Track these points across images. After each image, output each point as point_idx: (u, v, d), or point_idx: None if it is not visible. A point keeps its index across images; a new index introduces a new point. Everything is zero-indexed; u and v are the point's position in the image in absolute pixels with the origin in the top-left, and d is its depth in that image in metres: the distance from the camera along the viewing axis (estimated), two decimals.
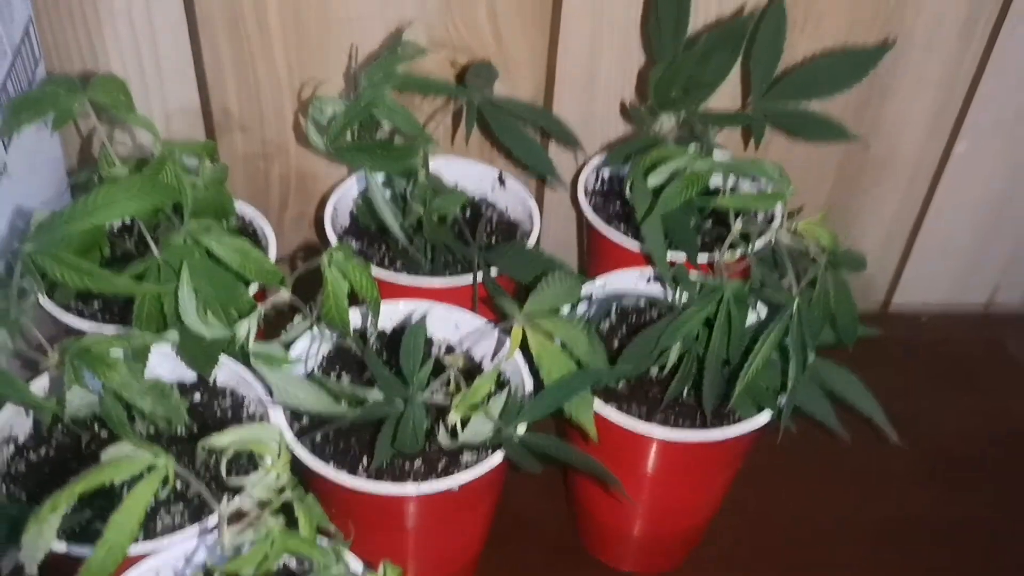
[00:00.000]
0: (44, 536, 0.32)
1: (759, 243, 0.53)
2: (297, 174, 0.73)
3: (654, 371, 0.56)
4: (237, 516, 0.34)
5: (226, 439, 0.34)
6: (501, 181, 0.67)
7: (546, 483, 0.64)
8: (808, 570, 0.64)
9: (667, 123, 0.58)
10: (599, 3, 0.65)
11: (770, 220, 0.61)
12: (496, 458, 0.46)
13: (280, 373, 0.45)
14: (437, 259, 0.60)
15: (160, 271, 0.45)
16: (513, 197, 0.67)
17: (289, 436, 0.46)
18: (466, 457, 0.50)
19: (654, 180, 0.52)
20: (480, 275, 0.56)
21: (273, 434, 0.34)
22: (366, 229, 0.64)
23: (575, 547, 0.64)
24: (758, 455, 0.58)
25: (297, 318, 0.48)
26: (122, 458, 0.33)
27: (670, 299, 0.56)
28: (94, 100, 0.48)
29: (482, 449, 0.49)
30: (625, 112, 0.65)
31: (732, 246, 0.53)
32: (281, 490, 0.34)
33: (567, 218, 0.76)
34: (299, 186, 0.73)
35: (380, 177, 0.58)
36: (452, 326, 0.55)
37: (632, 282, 0.60)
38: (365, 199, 0.63)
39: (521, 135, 0.58)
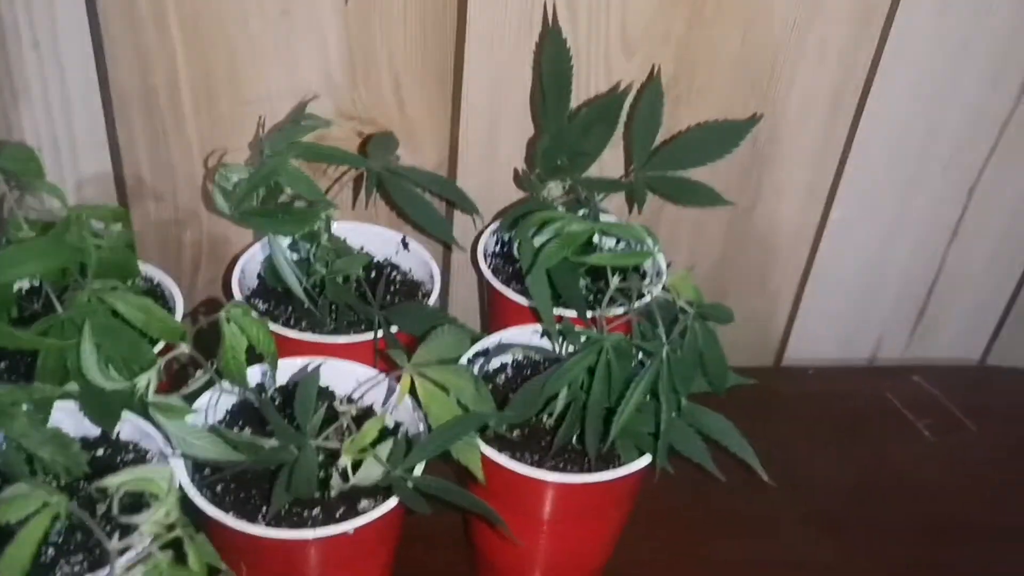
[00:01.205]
0: None
1: (641, 299, 0.58)
2: (209, 239, 0.76)
3: (546, 420, 0.60)
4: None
5: (118, 479, 0.37)
6: (404, 245, 0.72)
7: (448, 532, 0.67)
8: None
9: (555, 190, 0.63)
10: (496, 78, 0.70)
11: (645, 282, 0.67)
12: (390, 503, 0.49)
13: (179, 424, 0.47)
14: (340, 318, 0.63)
15: (64, 328, 0.48)
16: (416, 259, 0.71)
17: (187, 484, 0.48)
18: (363, 504, 0.53)
19: (539, 240, 0.56)
20: (380, 331, 0.59)
21: (164, 473, 0.37)
22: (273, 290, 0.67)
23: None
24: (650, 504, 0.62)
25: (198, 372, 0.51)
26: (17, 496, 0.35)
27: (558, 353, 0.61)
28: (4, 167, 0.51)
29: (378, 495, 0.52)
30: (518, 179, 0.70)
31: (613, 301, 0.57)
32: (171, 527, 0.36)
33: (472, 281, 0.80)
34: (211, 250, 0.77)
35: (284, 241, 0.62)
36: (352, 379, 0.58)
37: (527, 337, 0.64)
38: (271, 262, 0.67)
39: (421, 202, 0.62)
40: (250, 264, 0.69)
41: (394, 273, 0.71)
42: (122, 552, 0.36)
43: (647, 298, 0.59)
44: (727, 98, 0.73)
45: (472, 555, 0.67)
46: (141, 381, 0.47)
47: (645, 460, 0.56)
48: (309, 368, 0.56)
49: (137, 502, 0.45)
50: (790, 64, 0.73)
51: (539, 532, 0.60)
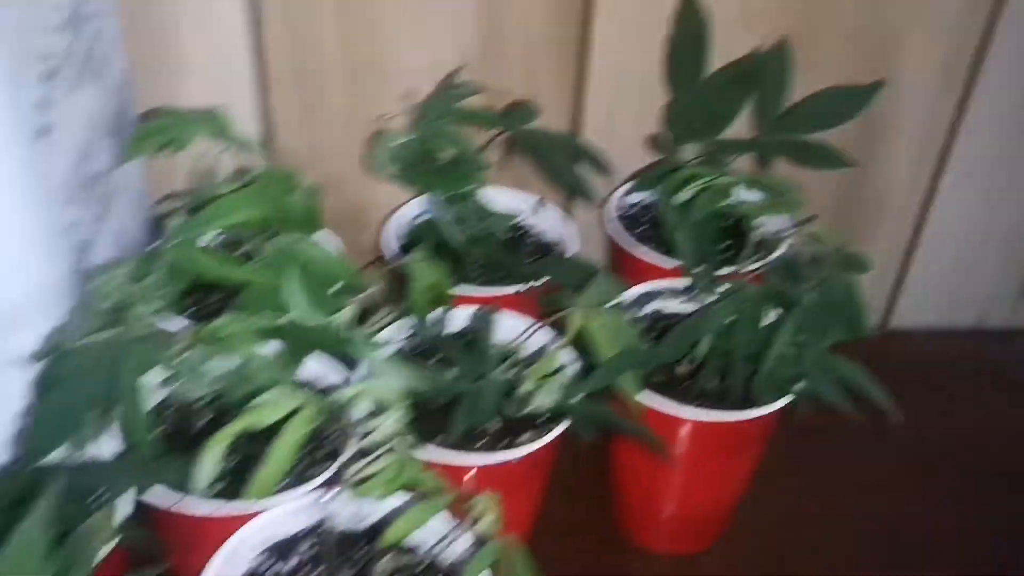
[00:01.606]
0: (207, 466, 0.40)
1: (774, 253, 0.62)
2: (353, 206, 0.82)
3: (682, 370, 0.64)
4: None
5: (354, 390, 0.42)
6: (540, 206, 0.76)
7: (583, 468, 0.72)
8: (824, 557, 0.72)
9: (689, 151, 0.67)
10: (622, 50, 0.75)
11: (781, 235, 0.70)
12: (560, 427, 0.54)
13: (373, 356, 0.53)
14: (488, 273, 0.68)
15: (265, 271, 0.53)
16: (551, 221, 0.76)
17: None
18: (522, 438, 0.58)
19: (682, 197, 0.60)
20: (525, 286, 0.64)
21: (393, 385, 0.42)
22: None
23: (610, 528, 0.71)
24: (780, 459, 0.67)
25: (381, 312, 0.56)
26: (272, 401, 0.40)
27: (693, 307, 0.65)
28: (205, 131, 0.57)
29: (534, 431, 0.57)
30: (650, 143, 0.74)
31: (748, 255, 0.62)
32: (398, 434, 0.42)
33: (590, 242, 0.85)
34: (354, 216, 0.82)
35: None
36: (509, 328, 0.63)
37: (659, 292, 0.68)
38: (423, 222, 0.72)
39: (562, 163, 0.67)
40: (394, 228, 0.74)
41: (530, 234, 0.76)
42: (362, 454, 0.41)
43: (777, 253, 0.63)
44: (843, 66, 0.77)
45: (608, 490, 0.71)
46: (341, 317, 0.52)
47: (785, 400, 0.60)
48: (472, 319, 0.61)
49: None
50: (905, 32, 0.76)
51: (676, 469, 0.64)
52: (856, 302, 0.59)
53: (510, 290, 0.66)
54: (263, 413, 0.40)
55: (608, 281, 0.56)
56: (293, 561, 0.52)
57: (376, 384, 0.41)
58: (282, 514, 0.52)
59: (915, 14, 0.75)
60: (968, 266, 0.93)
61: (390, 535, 0.42)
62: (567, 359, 0.58)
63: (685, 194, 0.60)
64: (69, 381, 0.47)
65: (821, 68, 0.76)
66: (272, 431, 0.41)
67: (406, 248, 0.74)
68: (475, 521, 0.42)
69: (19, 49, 0.50)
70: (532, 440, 0.56)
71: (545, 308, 0.62)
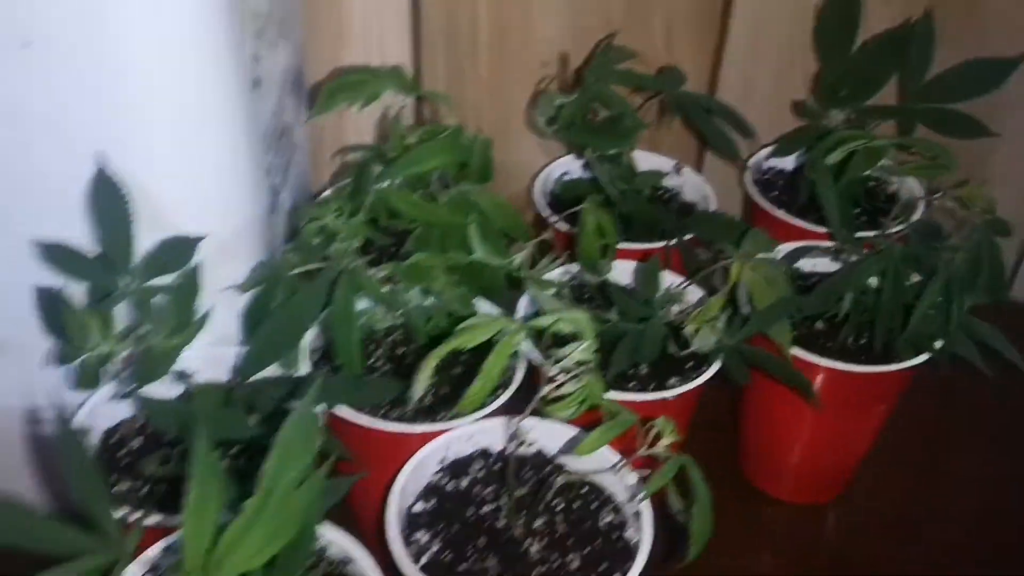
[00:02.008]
0: (422, 381, 0.45)
1: (915, 215, 0.65)
2: (496, 163, 0.86)
3: (820, 327, 0.68)
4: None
5: (548, 319, 0.47)
6: (677, 170, 0.80)
7: (711, 416, 0.75)
8: (947, 518, 0.74)
9: (835, 117, 0.70)
10: (758, 20, 0.78)
11: (924, 197, 0.73)
12: (712, 368, 0.58)
13: (546, 294, 0.57)
14: (635, 229, 0.72)
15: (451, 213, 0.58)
16: (688, 183, 0.80)
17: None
18: (671, 381, 0.63)
19: (832, 159, 0.64)
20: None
21: (584, 316, 0.46)
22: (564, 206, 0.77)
23: (736, 476, 0.75)
24: (901, 412, 0.70)
25: (547, 258, 0.61)
26: (480, 324, 0.45)
27: (836, 266, 0.68)
28: (395, 86, 0.62)
29: (684, 375, 0.61)
30: (795, 108, 0.77)
31: (893, 218, 0.65)
32: (587, 361, 0.46)
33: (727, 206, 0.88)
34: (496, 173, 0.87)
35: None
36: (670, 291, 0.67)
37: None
38: (568, 181, 0.77)
39: (713, 125, 0.71)
40: (543, 185, 0.79)
41: (670, 194, 0.80)
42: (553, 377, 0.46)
43: (919, 215, 0.66)
44: (980, 40, 0.78)
45: (737, 437, 0.74)
46: (518, 258, 0.57)
47: (924, 357, 0.63)
48: (644, 265, 0.64)
49: None
50: None
51: (809, 421, 0.68)
52: (998, 265, 0.62)
53: (659, 244, 0.70)
54: (473, 334, 0.45)
55: (762, 235, 0.60)
56: (465, 480, 0.58)
57: (571, 315, 0.46)
58: (459, 435, 0.57)
59: None
60: None
61: (580, 449, 0.47)
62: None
63: (835, 156, 0.63)
64: (283, 317, 0.53)
65: (955, 43, 0.78)
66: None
67: (552, 204, 0.78)
68: (653, 442, 0.47)
69: (242, 7, 0.55)
70: (678, 385, 0.61)
71: (692, 261, 0.66)
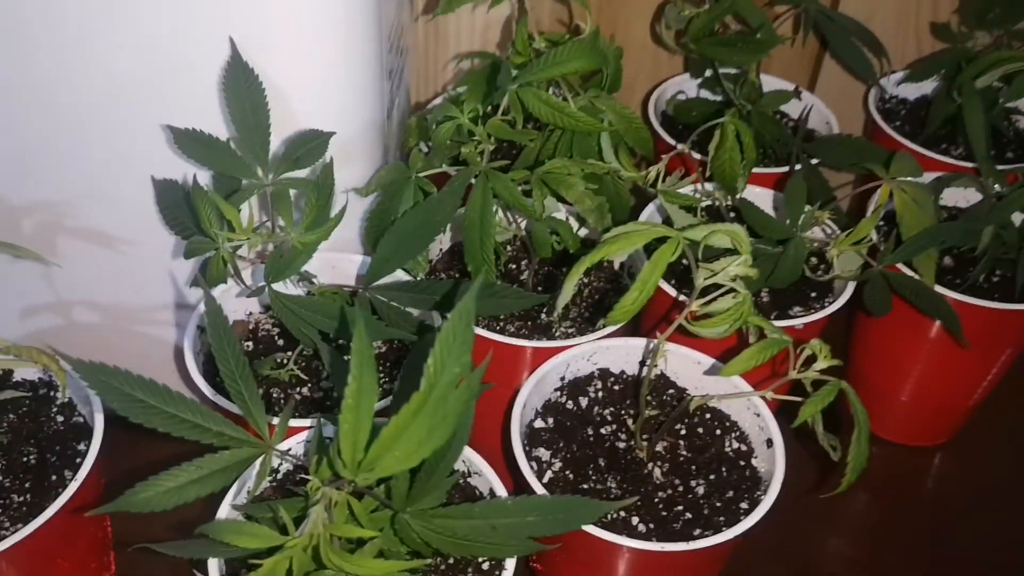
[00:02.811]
0: (568, 290, 0.44)
1: None
2: None
3: (948, 263, 0.65)
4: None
5: (702, 231, 0.45)
6: (797, 94, 0.76)
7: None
8: None
9: (982, 40, 0.66)
10: None
11: None
12: (847, 294, 0.56)
13: (681, 211, 0.55)
14: (760, 149, 0.69)
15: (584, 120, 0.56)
16: (814, 111, 0.76)
17: None
18: (795, 310, 0.61)
19: (983, 83, 0.60)
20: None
21: (741, 229, 0.44)
22: (675, 127, 0.74)
23: (843, 414, 0.73)
24: None
25: (676, 174, 0.58)
26: (627, 232, 0.44)
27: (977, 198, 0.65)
28: None
29: (810, 302, 0.59)
30: (936, 30, 0.73)
31: None
32: (743, 276, 0.44)
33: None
34: None
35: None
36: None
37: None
38: (682, 102, 0.74)
39: (849, 42, 0.67)
40: (656, 104, 0.76)
41: (789, 118, 0.77)
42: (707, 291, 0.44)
43: None
44: None
45: (847, 373, 0.72)
46: (652, 173, 0.55)
47: None
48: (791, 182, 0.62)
49: None
50: None
51: (927, 357, 0.66)
52: None
53: (784, 168, 0.67)
54: (629, 239, 0.43)
55: (910, 159, 0.57)
56: (585, 400, 0.56)
57: (728, 227, 0.44)
58: (579, 353, 0.56)
59: None
60: None
61: (727, 369, 0.45)
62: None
63: (986, 80, 0.60)
64: (418, 219, 0.51)
65: None
66: None
67: (663, 124, 0.75)
68: (807, 362, 0.45)
69: None
70: (801, 315, 0.59)
71: (820, 187, 0.63)
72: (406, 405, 0.36)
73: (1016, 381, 0.70)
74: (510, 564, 0.43)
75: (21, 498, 0.49)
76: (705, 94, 0.76)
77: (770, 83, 0.76)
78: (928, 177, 0.65)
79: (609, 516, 0.49)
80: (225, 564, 0.43)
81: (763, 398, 0.48)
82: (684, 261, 0.44)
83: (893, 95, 0.79)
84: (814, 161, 0.66)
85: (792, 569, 0.65)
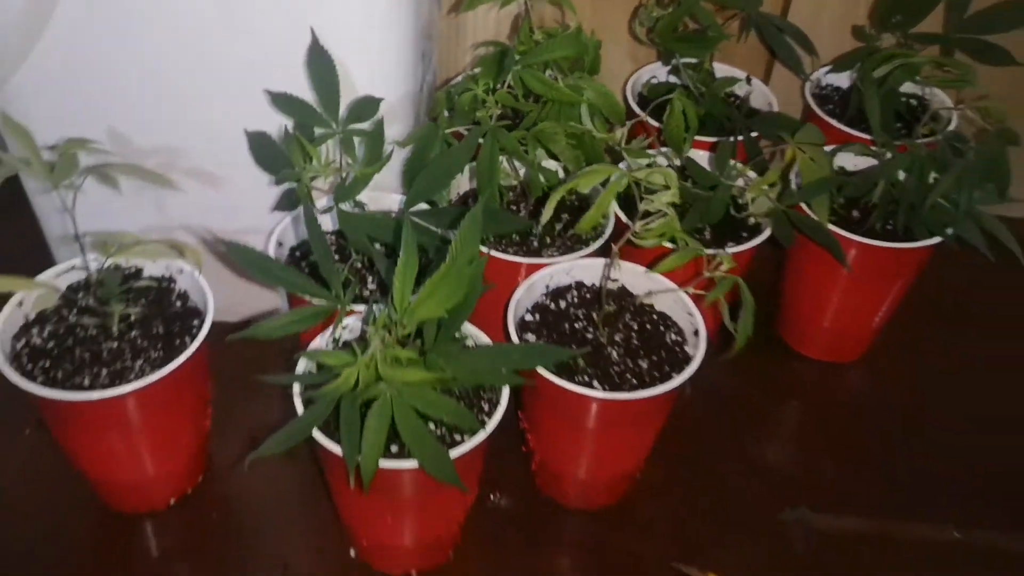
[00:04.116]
0: (548, 211, 0.64)
1: (946, 126, 0.81)
2: None
3: (855, 216, 0.85)
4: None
5: (645, 172, 0.65)
6: (748, 80, 0.97)
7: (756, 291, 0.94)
8: (955, 382, 0.93)
9: (887, 40, 0.86)
10: None
11: (950, 108, 0.89)
12: (766, 233, 0.76)
13: (639, 162, 0.76)
14: (712, 126, 0.90)
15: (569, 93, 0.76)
16: (756, 92, 0.97)
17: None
18: (729, 245, 0.81)
19: (879, 72, 0.80)
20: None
21: (672, 172, 0.64)
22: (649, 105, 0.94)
23: (775, 339, 0.94)
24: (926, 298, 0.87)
25: (639, 138, 0.79)
26: (590, 171, 0.64)
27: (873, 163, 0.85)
28: None
29: (743, 240, 0.79)
30: (854, 32, 0.93)
31: (923, 125, 0.81)
32: (671, 202, 0.64)
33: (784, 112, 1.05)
34: None
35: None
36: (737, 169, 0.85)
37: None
38: (654, 84, 0.94)
39: (783, 40, 0.87)
40: (633, 87, 0.96)
41: (739, 100, 0.97)
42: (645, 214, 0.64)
43: (950, 126, 0.82)
44: None
45: (779, 303, 0.93)
46: (619, 133, 0.75)
47: (937, 240, 0.80)
48: (720, 146, 0.82)
49: None
50: None
51: (838, 288, 0.86)
52: (1004, 169, 0.78)
53: (731, 138, 0.87)
54: (591, 176, 0.63)
55: (814, 129, 0.77)
56: (564, 303, 0.77)
57: (662, 169, 0.64)
58: (560, 268, 0.76)
59: None
60: None
61: (658, 267, 0.66)
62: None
63: (881, 70, 0.80)
64: (444, 162, 0.71)
65: None
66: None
67: (639, 103, 0.96)
68: (715, 268, 0.66)
69: None
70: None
71: (754, 151, 0.84)
72: (437, 272, 0.57)
73: (909, 308, 0.90)
74: (505, 392, 0.64)
75: (156, 355, 0.70)
76: (673, 79, 0.96)
77: (731, 72, 0.97)
78: (845, 144, 0.85)
79: (578, 383, 0.70)
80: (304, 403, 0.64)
81: (686, 292, 0.69)
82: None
83: (828, 83, 0.99)
84: (754, 134, 0.87)
85: (742, 460, 0.85)
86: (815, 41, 0.99)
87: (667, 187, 0.65)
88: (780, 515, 0.80)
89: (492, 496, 0.79)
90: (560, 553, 0.77)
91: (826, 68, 0.96)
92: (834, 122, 0.92)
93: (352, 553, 0.75)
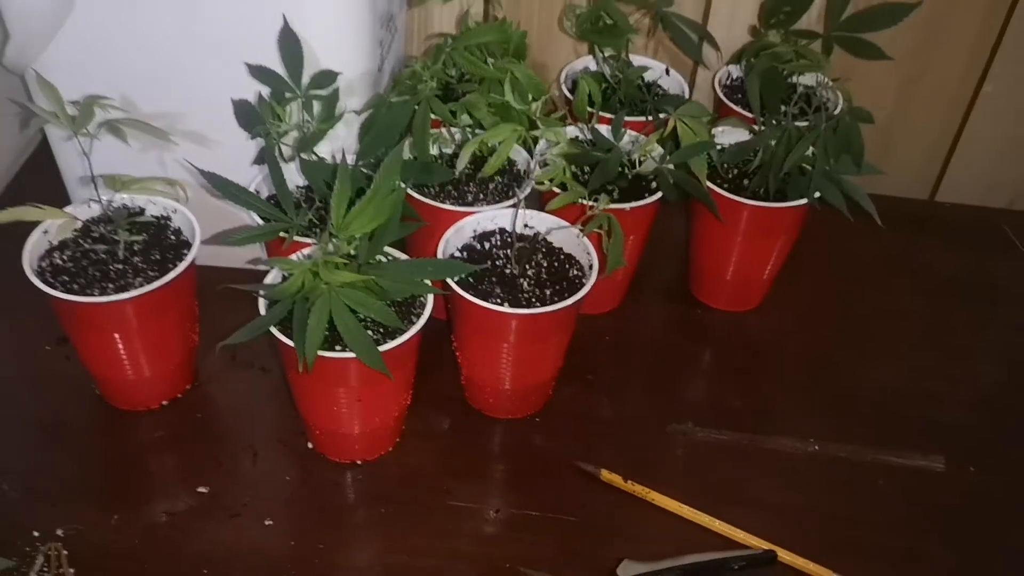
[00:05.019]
0: (463, 161, 0.82)
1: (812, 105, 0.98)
2: (539, 61, 1.23)
3: (745, 183, 1.02)
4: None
5: (541, 130, 0.83)
6: (667, 71, 1.15)
7: (670, 253, 1.12)
8: (840, 327, 1.10)
9: (773, 37, 1.04)
10: None
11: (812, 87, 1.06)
12: (657, 195, 0.94)
13: (554, 132, 0.93)
14: (628, 106, 1.08)
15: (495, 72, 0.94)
16: (673, 81, 1.15)
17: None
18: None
19: (758, 63, 0.98)
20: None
21: (562, 129, 0.82)
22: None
23: (683, 290, 1.12)
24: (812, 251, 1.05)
25: (558, 113, 0.97)
26: (497, 129, 0.82)
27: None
28: None
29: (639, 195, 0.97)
30: (749, 31, 1.11)
31: (795, 104, 0.99)
32: (560, 154, 0.82)
33: (704, 99, 1.23)
34: (540, 67, 1.23)
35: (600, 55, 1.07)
36: (633, 137, 1.03)
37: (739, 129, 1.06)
38: (586, 72, 1.12)
39: (683, 33, 1.05)
40: (568, 73, 1.15)
41: (658, 88, 1.15)
42: (542, 164, 0.82)
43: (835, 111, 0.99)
44: None
45: (687, 263, 1.11)
46: (534, 106, 0.93)
47: (802, 201, 0.97)
48: (614, 123, 1.00)
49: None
50: None
51: (735, 242, 1.03)
52: (857, 142, 0.96)
53: (641, 118, 1.05)
54: (497, 131, 0.81)
55: (697, 105, 0.95)
56: (487, 244, 0.95)
57: (554, 128, 0.81)
58: (486, 216, 0.94)
59: None
60: (1002, 160, 1.25)
61: (550, 205, 0.84)
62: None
63: (761, 61, 0.98)
64: (386, 120, 0.90)
65: None
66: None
67: (571, 89, 1.14)
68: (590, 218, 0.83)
69: None
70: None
71: (654, 121, 1.02)
72: (364, 197, 0.76)
73: (794, 262, 1.07)
74: (429, 301, 0.82)
75: (152, 274, 0.89)
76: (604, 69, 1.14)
77: (652, 64, 1.15)
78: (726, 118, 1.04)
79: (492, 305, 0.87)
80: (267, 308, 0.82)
81: (578, 229, 0.87)
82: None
83: (738, 76, 1.17)
84: (662, 115, 1.05)
85: (645, 386, 1.02)
86: (731, 40, 1.17)
87: (558, 143, 0.83)
88: (668, 427, 0.97)
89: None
90: (480, 450, 0.94)
91: (726, 68, 1.14)
92: (738, 108, 1.10)
93: (309, 445, 0.93)
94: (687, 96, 1.12)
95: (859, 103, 0.97)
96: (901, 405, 1.01)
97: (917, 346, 1.08)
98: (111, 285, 0.87)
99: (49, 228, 0.90)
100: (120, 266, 0.89)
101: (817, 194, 0.96)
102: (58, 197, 1.03)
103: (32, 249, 0.88)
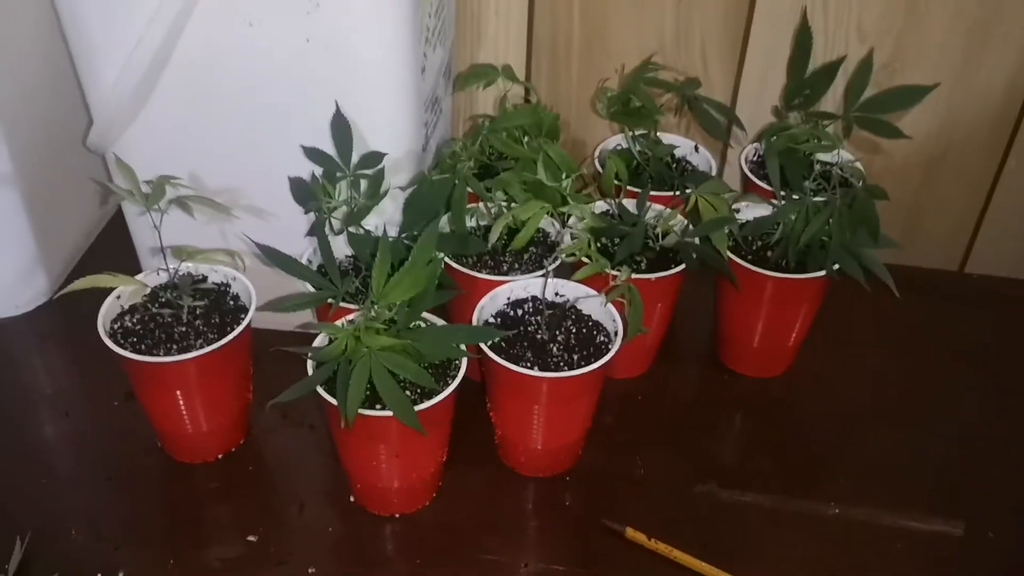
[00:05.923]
0: (493, 236, 0.91)
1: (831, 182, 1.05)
2: (576, 138, 1.31)
3: (769, 255, 1.09)
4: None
5: (569, 208, 0.91)
6: (696, 149, 1.23)
7: (698, 318, 1.18)
8: (861, 398, 1.15)
9: (793, 118, 1.11)
10: (769, 47, 1.19)
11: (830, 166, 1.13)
12: (681, 266, 1.01)
13: (582, 206, 1.01)
14: (655, 181, 1.15)
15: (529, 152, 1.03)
16: (702, 159, 1.22)
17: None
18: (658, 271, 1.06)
19: (777, 144, 1.05)
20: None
21: (588, 208, 0.90)
22: None
23: (710, 356, 1.18)
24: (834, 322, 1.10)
25: (588, 188, 1.05)
26: (526, 208, 0.90)
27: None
28: (505, 76, 1.07)
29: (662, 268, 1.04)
30: (773, 112, 1.19)
31: (814, 180, 1.05)
32: (587, 229, 0.90)
33: (732, 177, 1.30)
34: (577, 145, 1.32)
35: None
36: (659, 211, 1.10)
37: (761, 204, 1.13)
38: (617, 149, 1.21)
39: (708, 114, 1.13)
40: (601, 152, 1.23)
41: (687, 165, 1.23)
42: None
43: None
44: (930, 72, 1.18)
45: (714, 326, 1.17)
46: (565, 182, 1.01)
47: (821, 272, 1.03)
48: (639, 199, 1.08)
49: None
50: (977, 50, 1.16)
51: (759, 313, 1.09)
52: (872, 217, 1.02)
53: (668, 193, 1.13)
54: (526, 208, 0.89)
55: (718, 181, 1.02)
56: (520, 311, 1.02)
57: (580, 207, 0.89)
58: (519, 284, 1.02)
59: (985, 38, 1.16)
60: None
61: (576, 276, 0.91)
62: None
63: (779, 142, 1.05)
64: (426, 196, 0.99)
65: (913, 71, 1.18)
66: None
67: (603, 165, 1.22)
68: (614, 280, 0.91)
69: (421, 23, 1.02)
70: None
71: (679, 198, 1.09)
72: (402, 268, 0.84)
73: (822, 329, 1.13)
74: (463, 364, 0.89)
75: (212, 336, 0.98)
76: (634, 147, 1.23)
77: (682, 142, 1.23)
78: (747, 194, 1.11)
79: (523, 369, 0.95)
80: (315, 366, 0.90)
81: (605, 297, 0.94)
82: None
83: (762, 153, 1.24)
84: (688, 190, 1.12)
85: (671, 447, 1.09)
86: (758, 118, 1.25)
87: (583, 219, 0.91)
88: (694, 488, 1.02)
89: None
90: (513, 507, 1.01)
91: (753, 145, 1.22)
92: (763, 184, 1.17)
93: (351, 498, 1.00)
94: (715, 172, 1.19)
95: (887, 179, 1.04)
96: (923, 470, 1.05)
97: (941, 413, 1.12)
98: (175, 346, 0.96)
99: (122, 294, 1.00)
100: (183, 329, 0.98)
101: (836, 266, 1.02)
102: (130, 265, 1.14)
103: (106, 312, 0.98)
